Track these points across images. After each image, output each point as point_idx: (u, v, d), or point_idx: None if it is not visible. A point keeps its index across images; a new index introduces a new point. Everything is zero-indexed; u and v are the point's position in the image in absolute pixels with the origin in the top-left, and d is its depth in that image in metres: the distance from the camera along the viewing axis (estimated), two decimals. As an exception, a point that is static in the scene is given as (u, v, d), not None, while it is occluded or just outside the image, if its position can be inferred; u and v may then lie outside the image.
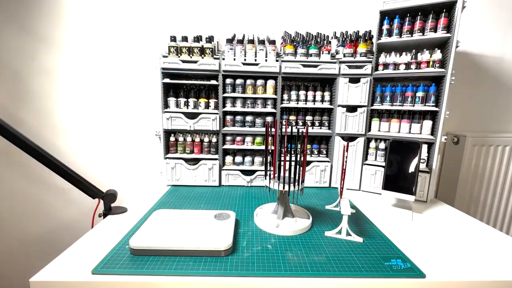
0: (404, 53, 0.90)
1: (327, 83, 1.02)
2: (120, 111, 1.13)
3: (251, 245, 0.58)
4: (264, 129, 0.98)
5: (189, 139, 0.98)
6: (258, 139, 0.99)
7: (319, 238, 0.62)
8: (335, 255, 0.55)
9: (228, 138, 0.99)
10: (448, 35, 0.81)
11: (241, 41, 0.94)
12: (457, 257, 0.56)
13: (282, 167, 0.66)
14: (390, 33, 0.90)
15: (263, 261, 0.52)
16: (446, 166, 1.19)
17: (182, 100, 0.96)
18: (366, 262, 0.52)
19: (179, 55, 0.93)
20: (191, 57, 0.93)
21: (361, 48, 0.93)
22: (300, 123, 1.01)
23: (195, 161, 0.98)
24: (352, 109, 0.96)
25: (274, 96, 0.96)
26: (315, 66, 0.94)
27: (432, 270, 0.51)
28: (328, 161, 1.00)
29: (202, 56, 0.93)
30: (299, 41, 0.98)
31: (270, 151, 0.69)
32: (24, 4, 1.04)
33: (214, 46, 0.96)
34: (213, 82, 0.95)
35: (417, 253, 0.57)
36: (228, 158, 1.00)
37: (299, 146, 0.67)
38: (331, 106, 0.98)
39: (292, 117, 1.00)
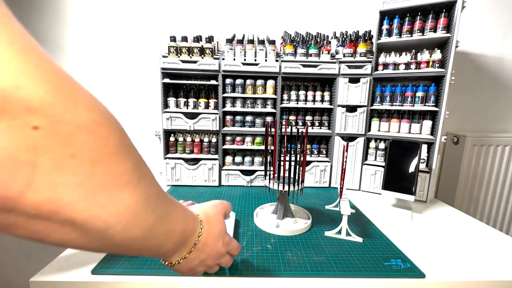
0: (404, 53, 0.90)
1: (327, 83, 1.02)
2: (120, 111, 1.13)
3: (251, 245, 0.58)
4: (264, 129, 0.98)
5: (189, 139, 0.98)
6: (258, 139, 0.99)
7: (319, 238, 0.62)
8: (335, 255, 0.55)
9: (228, 138, 0.99)
10: (448, 35, 0.81)
11: (241, 41, 0.94)
12: (457, 257, 0.56)
13: (282, 167, 0.66)
14: (390, 33, 0.90)
15: (263, 261, 0.52)
16: (446, 166, 1.19)
17: (182, 100, 0.96)
18: (366, 262, 0.52)
19: (179, 55, 0.93)
20: (191, 57, 0.93)
21: (361, 48, 0.93)
22: (300, 123, 1.01)
23: (195, 161, 0.98)
24: (352, 109, 0.96)
25: (274, 96, 0.96)
26: (315, 66, 0.94)
27: (432, 270, 0.51)
28: (328, 161, 1.00)
29: (202, 56, 0.93)
30: (299, 41, 0.98)
31: (270, 151, 0.69)
32: (25, 5, 1.04)
33: (214, 46, 0.96)
34: (213, 82, 0.95)
35: (417, 253, 0.57)
36: (228, 158, 1.00)
37: (299, 146, 0.67)
38: (331, 106, 0.98)
39: (292, 117, 1.00)
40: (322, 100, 0.99)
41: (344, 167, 0.69)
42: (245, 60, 0.95)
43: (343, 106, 0.96)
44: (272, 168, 0.68)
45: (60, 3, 1.06)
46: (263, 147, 0.98)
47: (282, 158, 0.65)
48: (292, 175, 0.65)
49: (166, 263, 0.33)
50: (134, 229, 0.22)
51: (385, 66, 0.92)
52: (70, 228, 0.19)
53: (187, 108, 0.97)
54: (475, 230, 0.69)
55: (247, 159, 1.00)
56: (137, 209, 0.22)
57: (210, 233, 0.35)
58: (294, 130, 0.93)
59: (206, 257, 0.35)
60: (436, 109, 0.85)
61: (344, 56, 0.96)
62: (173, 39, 0.93)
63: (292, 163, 0.65)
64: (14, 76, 0.14)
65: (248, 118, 0.98)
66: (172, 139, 0.98)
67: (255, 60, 0.95)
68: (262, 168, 0.99)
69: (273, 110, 0.97)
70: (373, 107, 0.95)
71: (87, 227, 0.19)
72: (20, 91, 0.15)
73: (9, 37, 0.15)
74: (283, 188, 0.64)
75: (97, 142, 0.18)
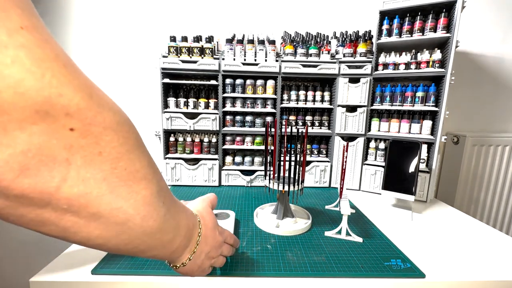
0: (404, 53, 0.90)
1: (327, 83, 1.02)
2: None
3: (251, 245, 0.58)
4: (264, 129, 0.98)
5: (189, 139, 0.98)
6: (258, 139, 0.99)
7: (319, 238, 0.62)
8: (335, 255, 0.55)
9: (228, 138, 0.99)
10: (448, 35, 0.81)
11: (241, 41, 0.94)
12: (457, 257, 0.56)
13: (282, 167, 0.66)
14: (390, 33, 0.90)
15: (263, 261, 0.52)
16: (446, 166, 1.19)
17: (182, 100, 0.96)
18: (366, 262, 0.52)
19: (179, 55, 0.93)
20: (190, 57, 0.93)
21: (361, 48, 0.93)
22: (300, 123, 1.01)
23: (195, 161, 0.98)
24: (352, 109, 0.96)
25: (274, 96, 0.96)
26: (315, 66, 0.94)
27: (432, 270, 0.51)
28: (328, 161, 1.00)
29: (202, 56, 0.93)
30: (299, 41, 0.98)
31: (270, 151, 0.69)
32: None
33: (214, 46, 0.96)
34: (213, 82, 0.95)
35: (417, 253, 0.57)
36: (228, 158, 1.00)
37: (299, 146, 0.67)
38: (331, 106, 0.98)
39: (292, 117, 1.00)
40: (322, 100, 0.99)
41: (344, 167, 0.69)
42: (245, 60, 0.95)
43: (343, 106, 0.96)
44: (272, 168, 0.68)
45: (62, 4, 1.06)
46: (263, 147, 0.98)
47: (282, 158, 0.65)
48: (292, 175, 0.65)
49: (178, 265, 0.34)
50: (150, 221, 0.24)
51: (385, 66, 0.92)
52: (95, 224, 0.21)
53: (187, 108, 0.97)
54: (475, 230, 0.69)
55: (247, 159, 1.00)
56: (152, 201, 0.24)
57: (206, 226, 0.38)
58: (294, 130, 0.93)
59: (210, 248, 0.38)
60: (436, 109, 0.85)
61: (344, 56, 0.96)
62: (173, 39, 0.93)
63: (292, 163, 0.65)
64: (57, 86, 0.17)
65: (248, 118, 0.98)
66: (172, 139, 0.98)
67: (255, 60, 0.95)
68: (262, 168, 0.99)
69: (273, 110, 0.97)
70: (373, 107, 0.95)
71: (111, 219, 0.21)
72: (61, 98, 0.17)
73: (53, 53, 0.17)
74: (283, 188, 0.64)
75: (120, 141, 0.21)
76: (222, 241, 0.42)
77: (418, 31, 0.85)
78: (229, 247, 0.44)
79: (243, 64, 0.92)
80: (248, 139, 0.99)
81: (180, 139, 0.98)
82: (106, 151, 0.20)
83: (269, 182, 0.67)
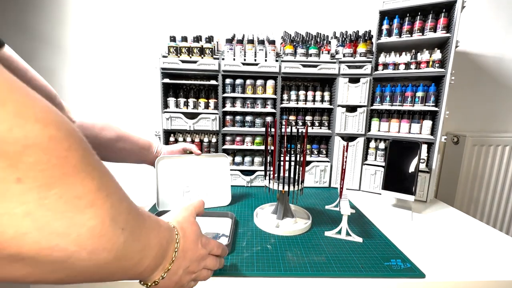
0: (403, 53, 0.90)
1: (327, 83, 1.02)
2: (120, 111, 1.13)
3: (251, 245, 0.58)
4: (263, 129, 0.97)
5: (189, 139, 0.98)
6: (258, 139, 0.99)
7: (319, 238, 0.62)
8: (335, 255, 0.55)
9: (228, 138, 0.99)
10: (448, 35, 0.81)
11: (240, 41, 0.94)
12: (457, 257, 0.56)
13: (282, 167, 0.66)
14: (389, 33, 0.90)
15: (263, 261, 0.52)
16: (446, 166, 1.19)
17: (181, 100, 0.96)
18: (366, 262, 0.52)
19: (178, 55, 0.93)
20: (190, 57, 0.93)
21: (361, 48, 0.93)
22: (300, 123, 1.01)
23: (195, 161, 0.97)
24: (352, 109, 0.96)
25: (274, 96, 0.96)
26: (315, 66, 0.94)
27: (432, 270, 0.51)
28: (328, 161, 1.00)
29: (202, 56, 0.93)
30: (298, 41, 0.98)
31: (270, 151, 0.69)
32: (24, 4, 1.04)
33: (214, 46, 0.96)
34: (212, 82, 0.95)
35: (417, 253, 0.56)
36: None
37: (299, 146, 0.67)
38: (331, 106, 0.98)
39: (292, 117, 1.00)
40: (322, 100, 0.99)
41: (344, 167, 0.69)
42: (245, 60, 0.95)
43: (343, 106, 0.95)
44: (272, 168, 0.68)
45: (61, 4, 1.06)
46: (263, 147, 0.98)
47: (282, 158, 0.65)
48: (292, 175, 0.65)
49: (149, 284, 0.30)
50: (103, 254, 0.20)
51: (385, 66, 0.92)
52: (18, 265, 0.17)
53: (187, 108, 0.96)
54: (475, 230, 0.69)
55: (247, 159, 1.00)
56: (104, 231, 0.20)
57: (187, 238, 0.34)
58: (294, 130, 0.93)
59: (189, 263, 0.34)
60: (436, 109, 0.85)
61: (344, 56, 0.96)
62: (173, 39, 0.93)
63: (292, 163, 0.65)
64: None
65: (248, 118, 0.98)
66: (172, 139, 0.98)
67: (255, 60, 0.95)
68: (262, 168, 0.99)
69: (273, 110, 0.97)
70: (373, 107, 0.95)
71: (42, 259, 0.17)
72: None
73: None
74: (283, 188, 0.64)
75: (53, 162, 0.16)
76: (205, 253, 0.37)
77: (418, 31, 0.85)
78: (215, 259, 0.40)
79: (243, 64, 0.92)
80: (248, 139, 0.99)
81: (180, 139, 0.98)
82: (29, 176, 0.15)
83: (269, 182, 0.67)
